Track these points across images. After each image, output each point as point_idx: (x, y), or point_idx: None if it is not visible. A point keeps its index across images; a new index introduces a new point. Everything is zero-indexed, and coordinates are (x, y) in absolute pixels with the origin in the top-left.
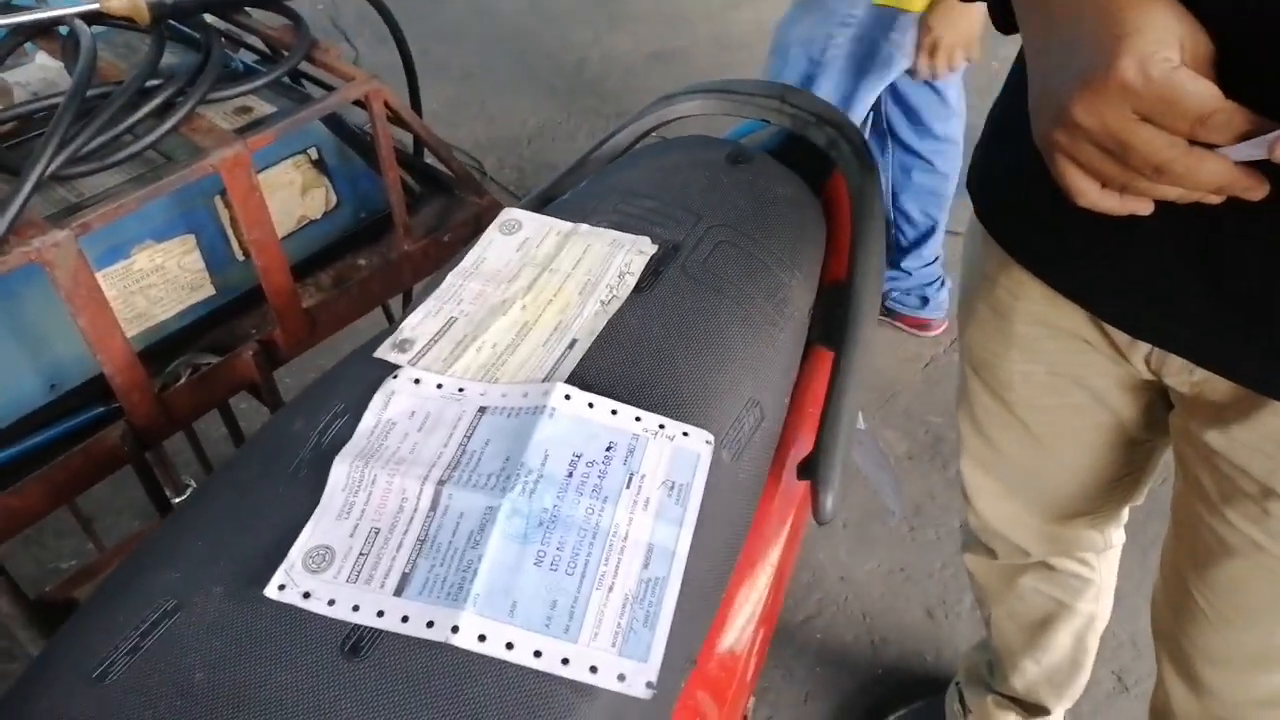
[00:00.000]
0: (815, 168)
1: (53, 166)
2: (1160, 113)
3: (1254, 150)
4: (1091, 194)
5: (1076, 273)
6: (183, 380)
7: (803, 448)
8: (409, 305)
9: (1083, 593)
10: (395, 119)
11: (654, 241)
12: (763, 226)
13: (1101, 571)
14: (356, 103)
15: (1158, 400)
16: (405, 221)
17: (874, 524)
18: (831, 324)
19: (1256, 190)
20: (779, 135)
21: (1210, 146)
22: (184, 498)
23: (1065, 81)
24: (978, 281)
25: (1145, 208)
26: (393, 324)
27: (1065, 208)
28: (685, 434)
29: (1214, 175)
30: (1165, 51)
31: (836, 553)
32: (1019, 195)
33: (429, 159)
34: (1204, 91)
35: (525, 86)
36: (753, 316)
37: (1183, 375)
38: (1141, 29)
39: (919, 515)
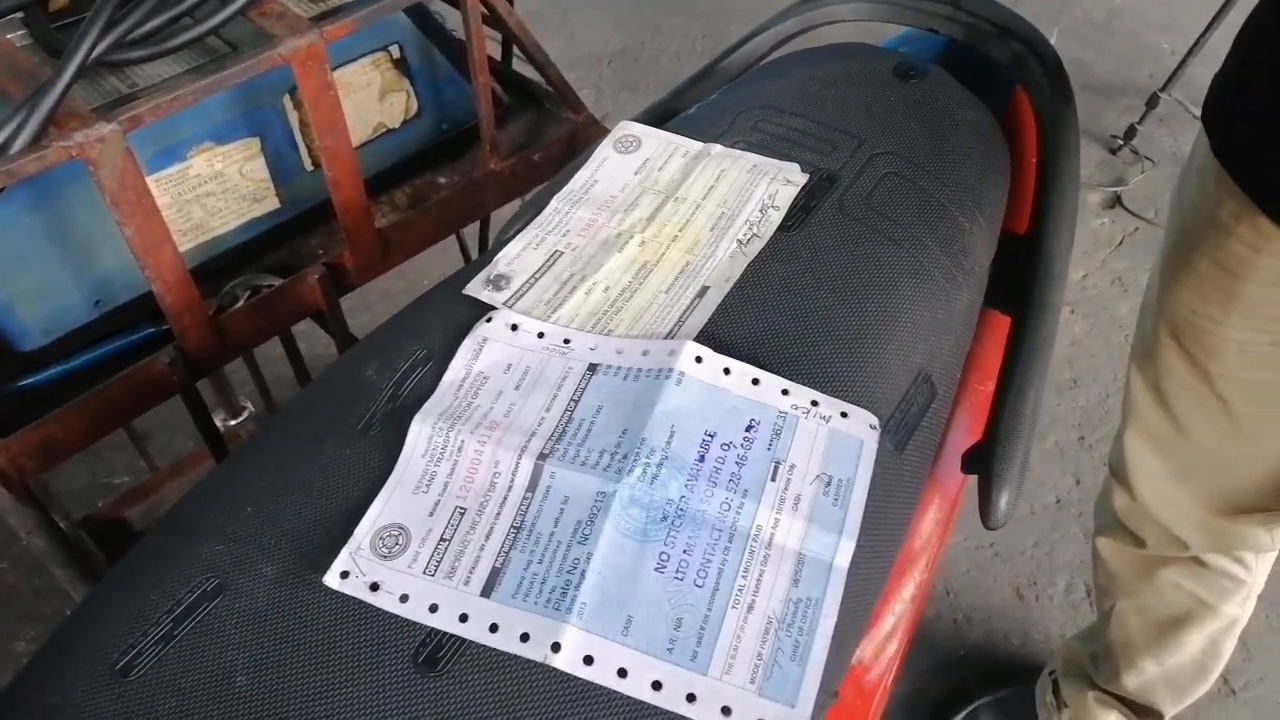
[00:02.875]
0: (991, 91)
1: (99, 49)
2: None
3: None
4: None
5: None
6: (240, 303)
7: (966, 433)
8: (488, 234)
9: (1232, 594)
10: (490, 18)
11: (804, 169)
12: (939, 157)
13: (1258, 573)
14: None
15: None
16: (493, 136)
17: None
18: (1009, 284)
19: None
20: (941, 49)
21: None
22: (239, 422)
23: None
24: (1204, 231)
25: None
26: (469, 258)
27: None
28: (844, 415)
29: None
30: None
31: None
32: (1274, 137)
33: (517, 67)
34: None
35: (610, 1)
36: (927, 269)
37: None
38: None
39: None
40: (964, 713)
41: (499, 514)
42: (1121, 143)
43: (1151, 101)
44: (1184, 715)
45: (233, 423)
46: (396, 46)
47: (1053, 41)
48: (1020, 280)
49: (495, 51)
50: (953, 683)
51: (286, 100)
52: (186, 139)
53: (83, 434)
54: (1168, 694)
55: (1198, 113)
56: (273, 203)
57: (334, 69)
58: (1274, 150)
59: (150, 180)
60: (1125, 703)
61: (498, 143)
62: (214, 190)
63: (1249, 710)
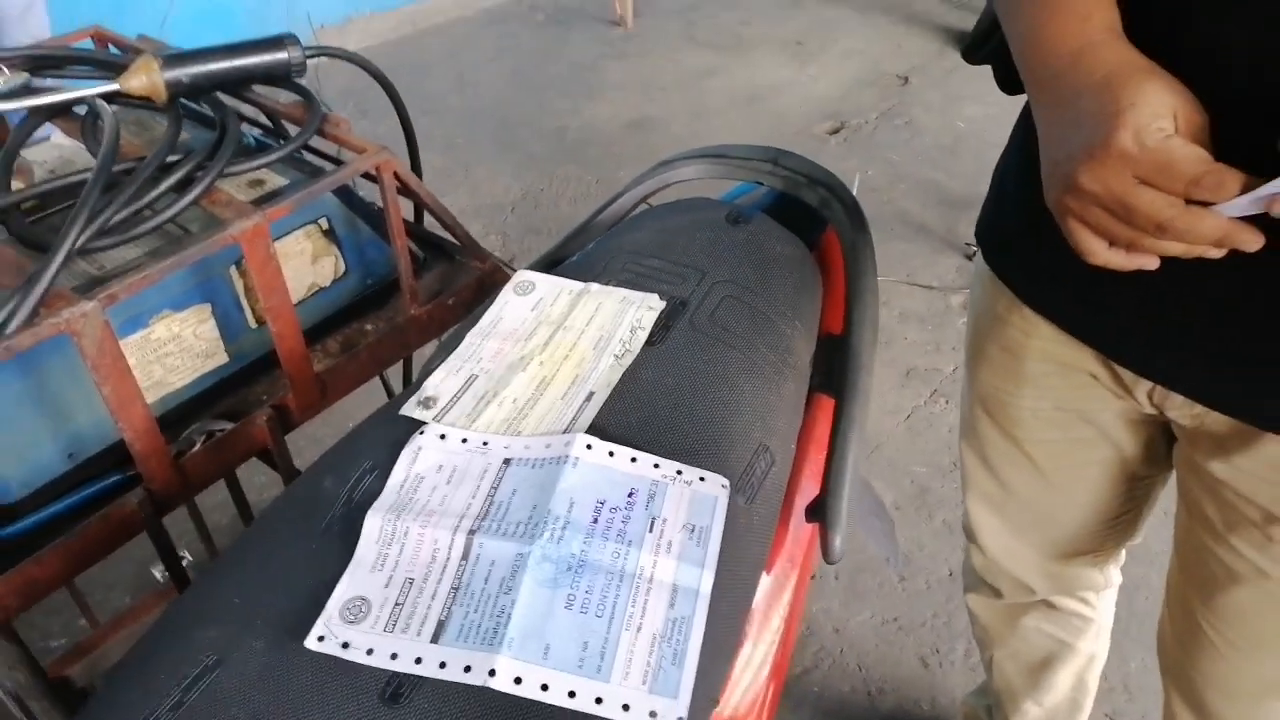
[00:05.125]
0: (807, 226)
1: (82, 239)
2: (1157, 177)
3: (1248, 206)
4: (1101, 253)
5: (1085, 316)
6: (198, 446)
7: (809, 492)
8: (411, 370)
9: (1084, 632)
10: (403, 189)
11: (662, 298)
12: (764, 282)
13: (1101, 610)
14: (365, 174)
15: (1159, 435)
16: (412, 287)
17: (865, 576)
18: (832, 373)
19: (1252, 242)
20: (771, 195)
21: (1208, 205)
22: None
23: (1072, 152)
24: (988, 323)
25: (1151, 263)
26: (391, 393)
27: (1075, 259)
28: (702, 479)
29: (1211, 230)
30: (1159, 122)
31: (830, 605)
32: (1030, 246)
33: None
34: (1194, 155)
35: (507, 155)
36: (759, 366)
37: (1184, 409)
38: (1137, 103)
39: (909, 565)
40: None
41: (440, 579)
42: (974, 249)
43: None
44: None
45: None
46: (325, 219)
47: (855, 187)
48: (838, 369)
49: (411, 214)
50: None
51: (233, 270)
52: (149, 308)
53: (62, 572)
54: None
55: None
56: (223, 357)
57: (274, 241)
58: (1030, 263)
59: (121, 345)
60: None
61: (416, 292)
62: (172, 350)
63: None
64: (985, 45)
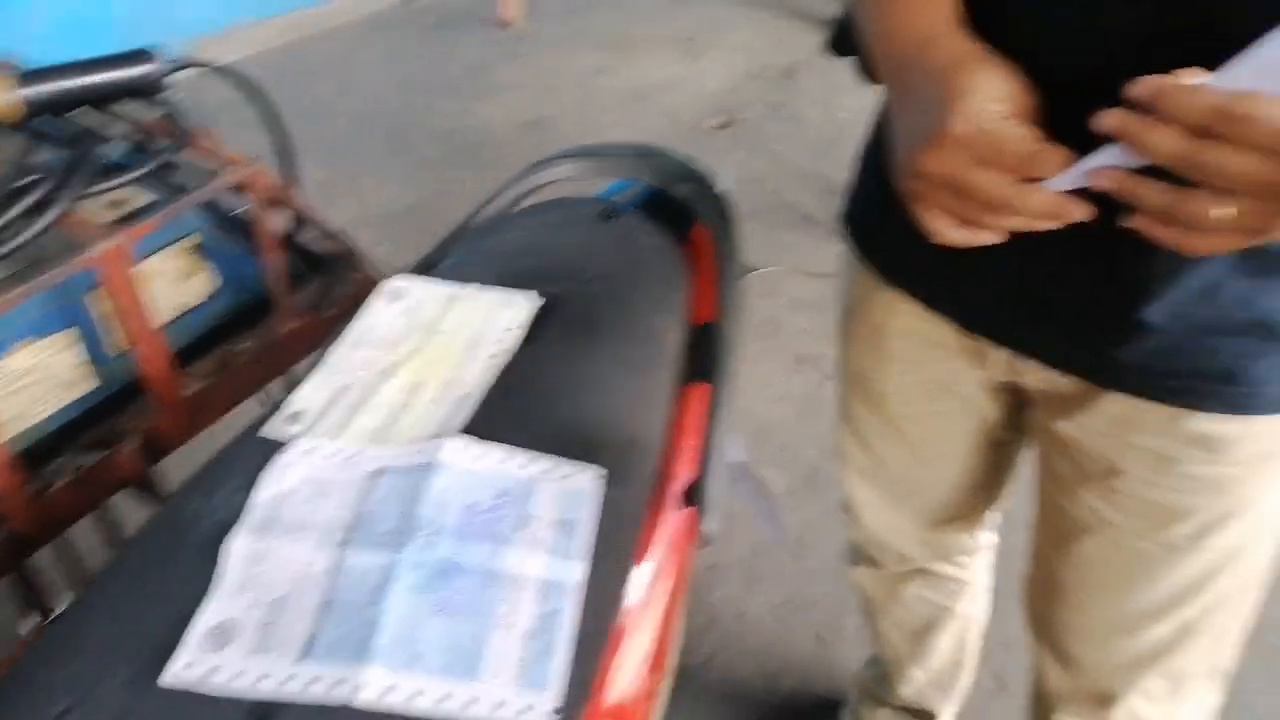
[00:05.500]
0: (679, 220)
1: None
2: (990, 158)
3: (1074, 180)
4: (947, 232)
5: (941, 291)
6: (62, 480)
7: (685, 477)
8: (290, 385)
9: (961, 595)
10: (275, 201)
11: (535, 297)
12: (634, 276)
13: (976, 573)
14: (237, 187)
15: (1015, 402)
16: (287, 301)
17: (761, 560)
18: (704, 361)
19: (1081, 213)
20: (645, 192)
21: (1040, 182)
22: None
23: (916, 137)
24: (854, 304)
25: (995, 238)
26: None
27: (928, 238)
28: (573, 473)
29: (1043, 204)
30: (993, 107)
31: (729, 591)
32: (887, 228)
33: (307, 237)
34: (1023, 136)
35: (397, 161)
36: (631, 358)
37: (1034, 374)
38: (972, 89)
39: (802, 546)
40: None
41: (309, 595)
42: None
43: None
44: (967, 715)
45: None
46: (195, 234)
47: (728, 182)
48: (709, 356)
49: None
50: None
51: (94, 295)
52: (5, 338)
53: None
54: (938, 695)
55: None
56: (91, 384)
57: (139, 260)
58: (889, 244)
59: None
60: (909, 712)
61: (291, 306)
62: (34, 380)
63: (1021, 702)
64: (847, 37)
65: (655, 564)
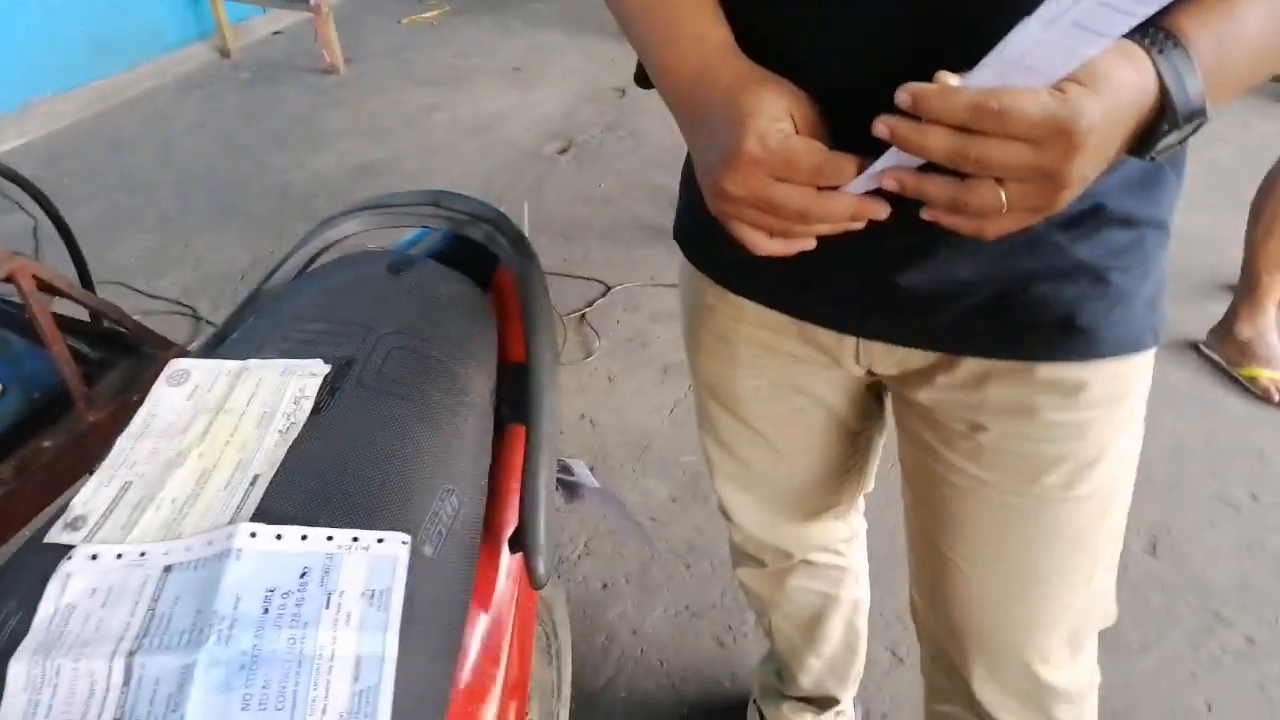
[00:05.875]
0: (482, 261)
1: None
2: (786, 172)
3: (866, 182)
4: (764, 244)
5: (783, 290)
6: None
7: (514, 522)
8: None
9: (843, 581)
10: (51, 290)
11: (326, 361)
12: (431, 326)
13: (854, 559)
14: (8, 280)
15: (866, 393)
16: (84, 392)
17: (653, 572)
18: (520, 401)
19: (880, 211)
20: (449, 235)
21: (836, 189)
22: None
23: (714, 162)
24: (701, 314)
25: (808, 244)
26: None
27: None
28: (380, 540)
29: (844, 209)
30: (778, 125)
31: (624, 608)
32: (720, 239)
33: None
34: (811, 149)
35: (229, 222)
36: (433, 412)
37: (887, 359)
38: (755, 111)
39: (692, 552)
40: None
41: (100, 714)
42: None
43: None
44: (869, 693)
45: None
46: None
47: (525, 217)
48: (523, 397)
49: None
50: None
51: None
52: None
53: None
54: (835, 681)
55: None
56: None
57: None
58: (722, 254)
59: None
60: (810, 701)
61: (92, 397)
62: None
63: (917, 671)
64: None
65: (494, 614)
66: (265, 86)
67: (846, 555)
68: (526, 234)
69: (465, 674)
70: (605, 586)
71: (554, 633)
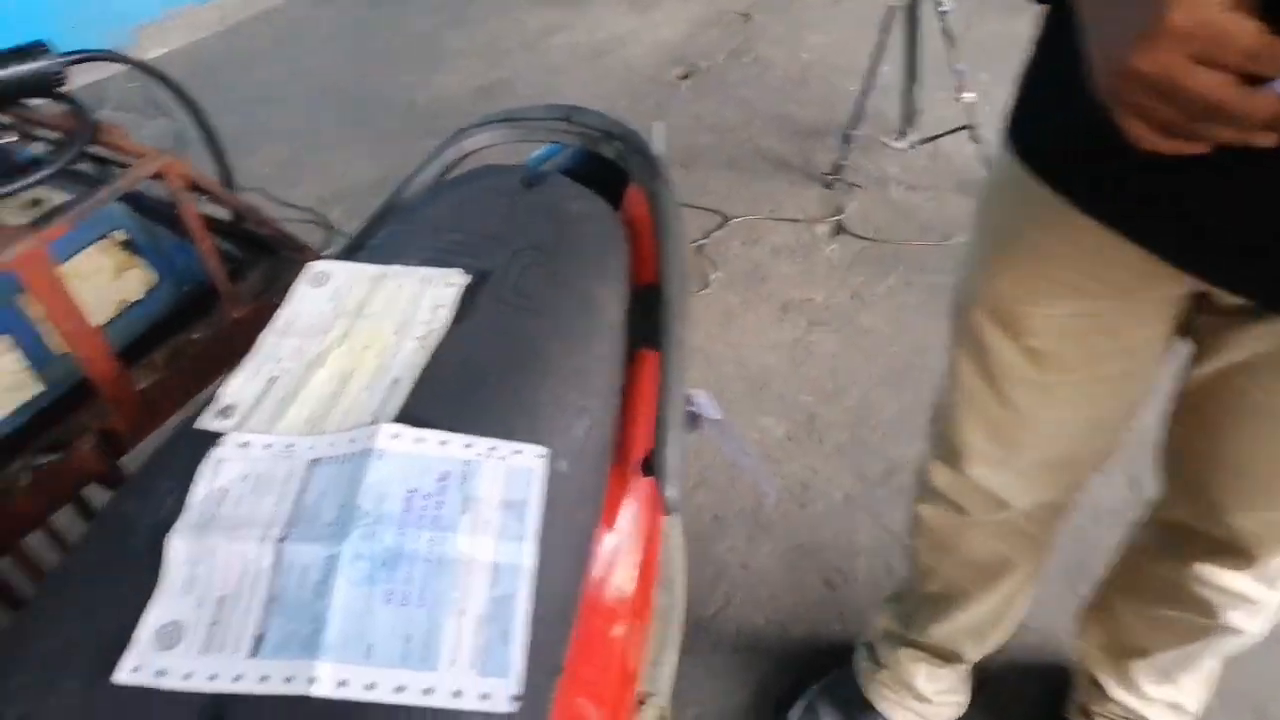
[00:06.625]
0: (613, 180)
1: None
2: (1211, 52)
3: None
4: (1153, 139)
5: (1132, 211)
6: (21, 483)
7: (644, 446)
8: None
9: (1029, 553)
10: (198, 189)
11: (464, 273)
12: (565, 243)
13: (1050, 533)
14: (157, 177)
15: (1176, 335)
16: (229, 289)
17: (764, 508)
18: (650, 326)
19: None
20: (576, 155)
21: (1259, 85)
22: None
23: (1123, 37)
24: (1018, 229)
25: (1202, 148)
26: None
27: (1121, 152)
28: (518, 452)
29: (1265, 109)
30: None
31: (734, 542)
32: (1072, 143)
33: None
34: (1250, 28)
35: (358, 136)
36: (568, 329)
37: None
38: None
39: (806, 491)
40: (799, 702)
41: (254, 592)
42: (833, 177)
43: (847, 138)
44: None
45: None
46: (121, 230)
47: (661, 137)
48: (655, 320)
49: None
50: (789, 680)
51: (25, 297)
52: None
53: None
54: (970, 640)
55: (887, 140)
56: (36, 388)
57: (64, 261)
58: (1071, 161)
59: None
60: (934, 652)
61: (236, 294)
62: None
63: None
64: None
65: (620, 534)
66: (392, 4)
67: (1047, 527)
68: (659, 155)
69: (592, 591)
70: (716, 519)
71: (670, 558)
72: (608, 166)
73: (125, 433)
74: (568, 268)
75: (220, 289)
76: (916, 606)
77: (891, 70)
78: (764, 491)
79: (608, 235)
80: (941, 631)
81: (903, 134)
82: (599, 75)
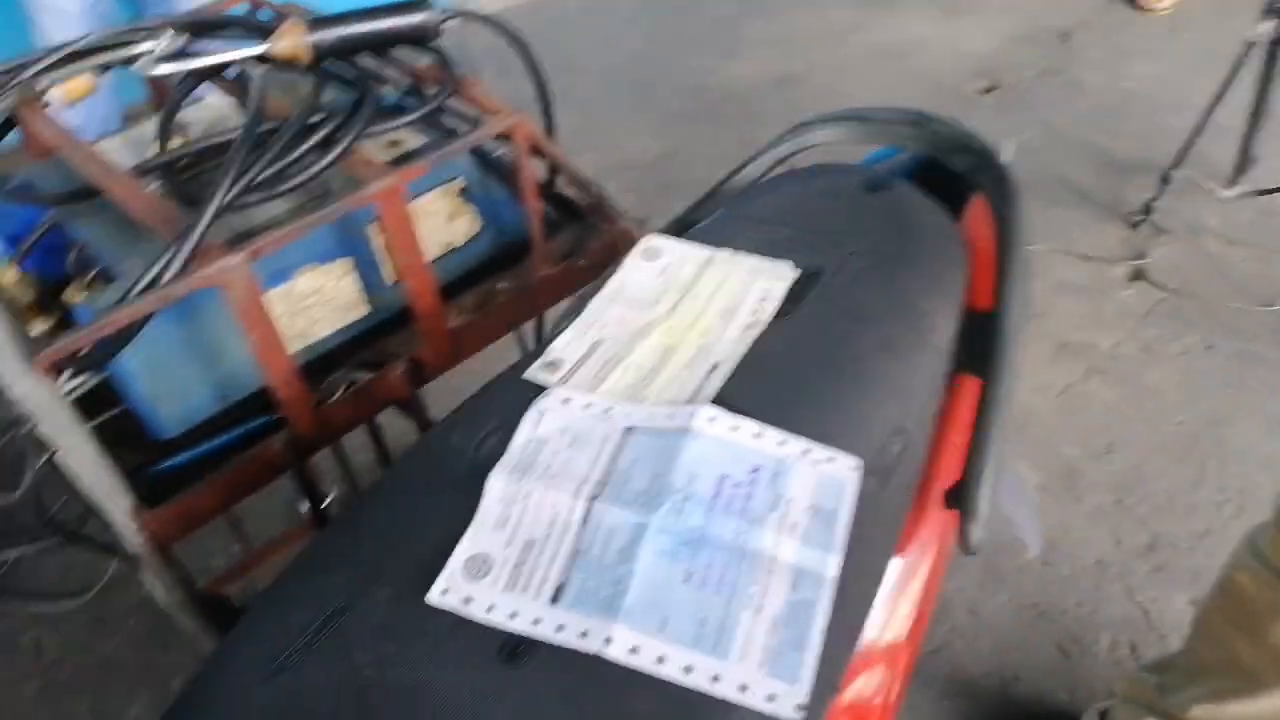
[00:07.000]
0: (953, 194)
1: (230, 195)
2: None
3: None
4: None
5: None
6: (339, 394)
7: (949, 476)
8: (542, 329)
9: None
10: (536, 150)
11: (794, 267)
12: (904, 254)
13: None
14: (500, 135)
15: None
16: (544, 247)
17: (1004, 557)
18: (977, 352)
19: None
20: (914, 161)
21: None
22: (328, 502)
23: None
24: None
25: None
26: (525, 348)
27: None
28: (831, 459)
29: None
30: None
31: (965, 584)
32: None
33: (563, 187)
34: None
35: (645, 114)
36: (895, 343)
37: None
38: None
39: (1054, 550)
40: None
41: (561, 542)
42: (1141, 218)
43: (1165, 178)
44: None
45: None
46: (460, 178)
47: (1010, 154)
48: (984, 348)
49: (548, 175)
50: None
51: (373, 228)
52: (293, 263)
53: (215, 505)
54: None
55: (1212, 186)
56: (363, 310)
57: (410, 200)
58: None
59: (266, 297)
60: None
61: (547, 253)
62: (315, 303)
63: None
64: None
65: (909, 564)
66: None
67: None
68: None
69: (877, 613)
70: (966, 555)
71: None
72: (948, 178)
73: (432, 364)
74: (904, 279)
75: (536, 248)
76: (1186, 679)
77: (1229, 112)
78: (1027, 543)
79: (950, 252)
80: (1206, 714)
81: (1233, 182)
82: (897, 79)
